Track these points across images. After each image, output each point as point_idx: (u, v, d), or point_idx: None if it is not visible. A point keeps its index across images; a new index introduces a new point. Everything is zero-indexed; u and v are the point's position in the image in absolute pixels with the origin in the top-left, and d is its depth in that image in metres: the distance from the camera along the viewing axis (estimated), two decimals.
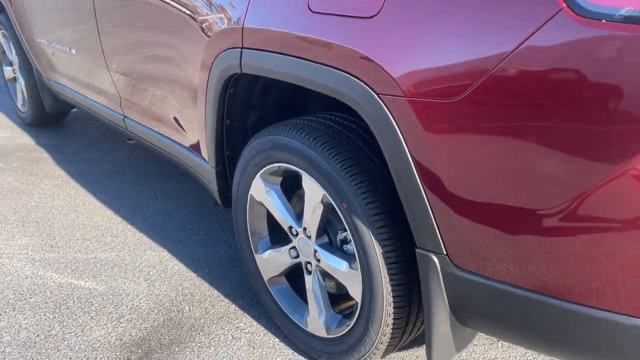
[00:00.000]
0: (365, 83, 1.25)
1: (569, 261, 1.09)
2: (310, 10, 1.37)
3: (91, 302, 2.07)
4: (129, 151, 3.45)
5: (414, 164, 1.22)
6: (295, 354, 1.81)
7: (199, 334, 1.91)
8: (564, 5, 0.95)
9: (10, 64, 3.84)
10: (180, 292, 2.12)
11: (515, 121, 1.06)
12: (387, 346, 1.52)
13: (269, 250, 1.83)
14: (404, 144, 1.22)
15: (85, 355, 1.81)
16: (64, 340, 1.88)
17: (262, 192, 1.74)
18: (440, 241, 1.25)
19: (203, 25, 1.76)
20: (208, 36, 1.73)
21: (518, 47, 1.01)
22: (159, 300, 2.07)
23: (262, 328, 1.93)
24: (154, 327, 1.94)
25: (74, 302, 2.07)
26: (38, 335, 1.90)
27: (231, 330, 1.92)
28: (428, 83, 1.14)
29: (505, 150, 1.09)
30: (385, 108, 1.22)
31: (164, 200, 2.84)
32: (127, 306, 2.05)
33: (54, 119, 3.79)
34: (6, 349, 1.84)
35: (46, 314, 2.01)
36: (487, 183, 1.14)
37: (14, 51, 3.64)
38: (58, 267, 2.27)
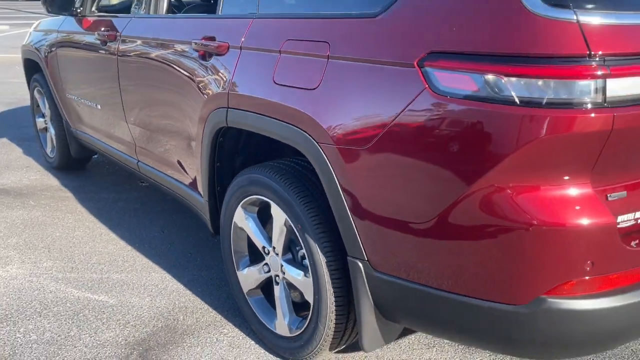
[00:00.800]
0: (309, 135, 1.74)
1: (453, 262, 1.53)
2: (275, 82, 1.88)
3: (103, 311, 2.51)
4: (141, 192, 3.94)
5: (342, 192, 1.68)
6: (267, 353, 2.22)
7: (189, 336, 2.33)
8: (426, 86, 1.44)
9: (43, 116, 4.41)
10: (176, 305, 2.56)
11: (406, 159, 1.53)
12: (332, 339, 1.94)
13: (248, 268, 2.28)
14: (335, 178, 1.69)
15: (97, 351, 2.24)
16: (80, 340, 2.31)
17: (243, 219, 2.20)
18: (362, 249, 1.70)
19: (200, 90, 2.28)
20: (204, 98, 2.25)
21: (403, 110, 1.50)
22: (159, 311, 2.51)
23: (242, 333, 2.35)
24: (153, 331, 2.37)
25: (89, 311, 2.51)
26: (59, 335, 2.34)
27: (216, 334, 2.34)
28: (348, 135, 1.63)
29: (402, 181, 1.56)
30: (322, 153, 1.70)
31: (168, 233, 3.30)
32: (133, 315, 2.48)
33: (78, 164, 4.33)
34: (33, 345, 2.27)
35: (66, 319, 2.45)
36: (391, 205, 1.60)
37: (47, 105, 4.22)
38: (77, 284, 2.73)
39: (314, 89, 1.73)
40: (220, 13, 2.29)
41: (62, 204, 3.74)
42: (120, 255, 3.03)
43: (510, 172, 1.37)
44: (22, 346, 2.26)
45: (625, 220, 1.45)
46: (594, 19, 1.28)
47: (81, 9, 3.47)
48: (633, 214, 1.46)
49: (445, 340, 2.28)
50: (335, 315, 1.88)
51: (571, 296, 1.42)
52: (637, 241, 1.47)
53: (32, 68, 4.35)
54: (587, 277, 1.41)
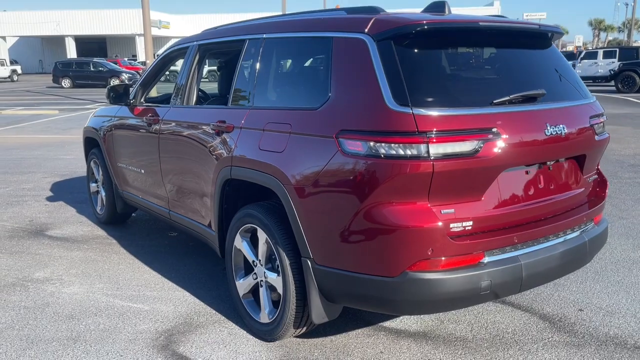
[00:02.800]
0: (278, 179, 2.79)
1: (357, 252, 2.51)
2: (260, 148, 2.97)
3: (140, 313, 3.50)
4: (169, 240, 5.00)
5: (296, 214, 2.71)
6: (253, 338, 3.17)
7: (201, 328, 3.29)
8: (339, 149, 2.50)
9: (96, 182, 5.59)
10: (193, 310, 3.53)
11: (330, 191, 2.56)
12: (294, 318, 2.88)
13: (243, 278, 3.27)
14: (292, 206, 2.72)
15: (137, 335, 3.21)
16: (125, 329, 3.29)
17: (240, 242, 3.23)
18: (309, 251, 2.70)
19: (214, 156, 3.38)
20: (216, 161, 3.35)
21: (327, 163, 2.55)
22: (179, 314, 3.49)
23: (237, 326, 3.30)
24: (175, 325, 3.34)
25: (130, 313, 3.50)
26: (110, 327, 3.33)
27: (219, 327, 3.30)
28: (299, 179, 2.68)
29: (328, 205, 2.58)
30: (285, 190, 2.75)
31: (189, 266, 4.31)
32: (161, 316, 3.46)
33: (121, 219, 5.44)
34: (93, 332, 3.26)
35: (114, 317, 3.44)
36: (323, 219, 2.62)
37: (100, 173, 5.40)
38: (121, 297, 3.73)
39: (282, 152, 2.81)
40: (229, 105, 3.43)
41: (109, 248, 4.81)
42: (152, 281, 4.04)
43: (382, 195, 2.39)
44: (83, 333, 3.26)
45: (456, 226, 2.44)
46: (421, 111, 2.34)
47: (133, 100, 4.69)
48: (461, 223, 2.45)
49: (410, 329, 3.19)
50: (296, 300, 2.85)
51: (423, 270, 2.40)
52: (463, 240, 2.45)
53: (90, 144, 5.58)
54: (430, 259, 2.39)
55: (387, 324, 3.33)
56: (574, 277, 3.99)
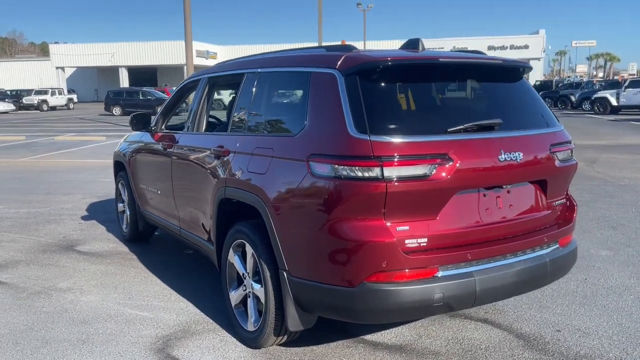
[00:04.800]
0: (260, 198, 3.10)
1: (323, 264, 2.78)
2: (248, 170, 3.29)
3: (145, 320, 3.84)
4: (184, 257, 5.36)
5: (274, 229, 3.00)
6: (241, 345, 3.44)
7: (197, 335, 3.60)
8: (309, 171, 2.79)
9: (123, 202, 6.05)
10: (192, 319, 3.85)
11: (300, 209, 2.85)
12: (274, 326, 3.15)
13: (235, 290, 3.57)
14: (271, 222, 3.02)
15: (139, 339, 3.55)
16: (129, 333, 3.63)
17: (233, 256, 3.54)
18: (285, 263, 2.98)
19: (214, 177, 3.72)
20: (215, 181, 3.69)
21: (299, 183, 2.84)
22: (179, 322, 3.80)
23: (228, 334, 3.59)
24: (174, 332, 3.66)
25: (137, 320, 3.85)
26: (117, 330, 3.68)
27: (213, 334, 3.60)
28: (277, 197, 2.98)
29: (300, 221, 2.86)
30: (265, 208, 3.05)
31: (197, 279, 4.64)
32: (163, 323, 3.79)
33: (143, 237, 5.86)
34: (101, 335, 3.62)
35: (122, 323, 3.79)
36: (296, 234, 2.90)
37: (126, 194, 5.86)
38: (131, 306, 4.09)
39: (264, 173, 3.13)
40: (228, 131, 3.79)
41: (128, 262, 5.21)
42: (161, 292, 4.39)
43: (342, 212, 2.67)
44: (92, 336, 3.62)
45: (411, 242, 2.68)
46: (377, 138, 2.62)
47: (155, 127, 5.13)
48: (415, 239, 2.69)
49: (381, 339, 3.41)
50: (275, 309, 3.12)
51: (379, 282, 2.64)
52: (417, 255, 2.68)
53: (118, 167, 6.07)
54: (386, 271, 2.63)
55: (368, 336, 3.55)
56: (561, 300, 4.10)
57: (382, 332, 3.60)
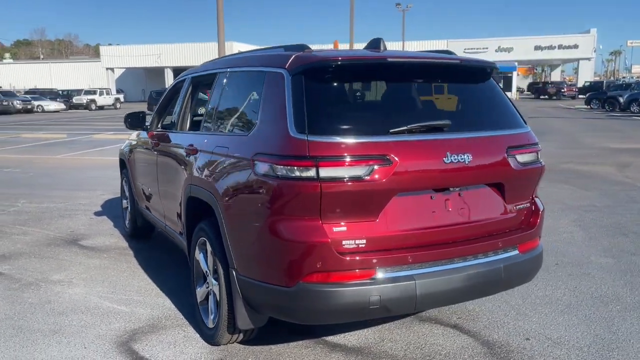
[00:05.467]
0: (214, 197, 3.13)
1: (264, 264, 2.78)
2: (207, 169, 3.33)
3: (119, 314, 3.93)
4: (180, 254, 5.45)
5: (225, 229, 3.02)
6: (202, 341, 3.48)
7: (163, 329, 3.66)
8: (253, 170, 2.80)
9: (126, 199, 6.21)
10: (164, 315, 3.92)
11: (244, 206, 2.86)
12: (227, 323, 3.17)
13: (200, 286, 3.62)
14: (222, 221, 3.04)
15: (109, 332, 3.64)
16: (101, 326, 3.73)
17: (198, 254, 3.58)
18: (234, 262, 3.00)
19: (185, 174, 3.78)
20: (184, 178, 3.74)
21: (245, 181, 2.86)
22: (152, 317, 3.88)
23: (193, 330, 3.64)
24: (144, 326, 3.73)
25: (112, 313, 3.95)
26: (91, 323, 3.78)
27: (179, 330, 3.65)
28: (225, 194, 3.00)
29: (243, 219, 2.87)
30: (218, 206, 3.08)
31: (181, 277, 4.72)
32: (136, 318, 3.87)
33: (143, 233, 5.98)
34: (75, 326, 3.73)
35: (97, 316, 3.89)
36: (241, 232, 2.91)
37: (127, 191, 6.02)
38: (110, 300, 4.20)
39: (219, 172, 3.16)
40: (200, 130, 3.84)
41: (124, 257, 5.35)
42: (145, 287, 4.49)
43: (280, 212, 2.66)
44: (65, 327, 3.74)
45: (348, 243, 2.65)
46: (314, 138, 2.60)
47: (150, 126, 5.25)
48: (353, 240, 2.65)
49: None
50: (227, 306, 3.14)
51: (315, 282, 2.62)
52: (354, 256, 2.64)
53: (122, 165, 6.23)
54: (322, 272, 2.61)
55: (330, 337, 3.52)
56: (542, 308, 3.96)
57: (345, 333, 3.57)
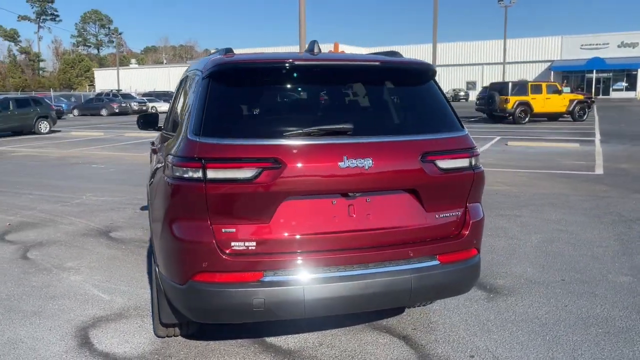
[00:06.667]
0: (149, 195, 3.28)
1: (168, 262, 2.87)
2: (151, 169, 3.49)
3: (99, 302, 4.22)
4: None
5: (151, 228, 3.16)
6: (151, 332, 3.65)
7: (124, 319, 3.89)
8: (164, 170, 2.91)
9: None
10: (135, 305, 4.15)
11: (157, 204, 2.98)
12: (157, 317, 3.30)
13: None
14: (150, 218, 3.18)
15: (75, 317, 3.94)
16: (74, 311, 4.04)
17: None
18: (156, 258, 3.12)
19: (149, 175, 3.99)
20: (148, 178, 3.94)
21: (159, 181, 2.97)
22: (124, 307, 4.13)
23: (150, 321, 3.83)
24: (110, 314, 3.98)
25: (93, 300, 4.25)
26: (68, 308, 4.11)
27: (138, 320, 3.86)
28: (152, 195, 3.14)
29: (154, 218, 2.99)
30: (149, 204, 3.22)
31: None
32: (109, 306, 4.14)
33: None
34: (52, 311, 4.07)
35: (77, 302, 4.22)
36: (155, 230, 3.03)
37: None
38: (100, 289, 4.52)
39: (154, 171, 3.30)
40: (165, 130, 4.02)
41: (137, 250, 5.71)
42: (135, 278, 4.77)
43: (175, 212, 2.74)
44: (46, 310, 4.09)
45: (237, 245, 2.66)
46: (204, 140, 2.65)
47: (162, 126, 5.55)
48: (243, 242, 2.66)
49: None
50: (156, 300, 3.28)
51: (203, 281, 2.67)
52: (242, 258, 2.65)
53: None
54: (210, 272, 2.65)
55: (271, 338, 3.55)
56: (511, 326, 3.69)
57: (288, 335, 3.57)
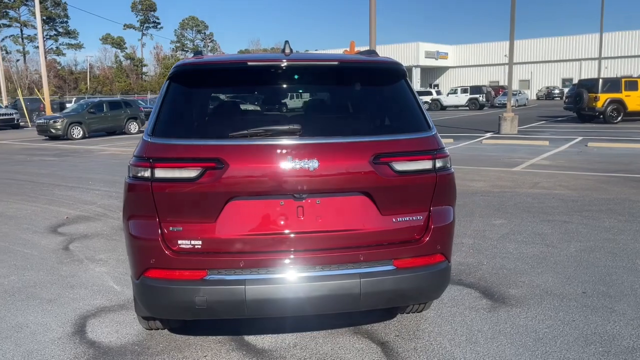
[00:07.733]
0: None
1: (130, 259, 2.99)
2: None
3: (110, 292, 4.47)
4: None
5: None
6: (137, 323, 3.81)
7: (124, 310, 4.08)
8: (131, 173, 3.03)
9: None
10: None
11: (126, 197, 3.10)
12: (135, 310, 3.44)
13: None
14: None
15: (82, 305, 4.19)
16: (84, 300, 4.30)
17: None
18: None
19: None
20: None
21: (129, 184, 3.10)
22: (128, 298, 4.33)
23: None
24: (113, 305, 4.20)
25: (105, 291, 4.50)
26: (79, 297, 4.38)
27: (132, 311, 4.04)
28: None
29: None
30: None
31: None
32: (117, 297, 4.36)
33: None
34: (61, 298, 4.36)
35: (90, 292, 4.48)
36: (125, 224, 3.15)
37: None
38: (116, 281, 4.77)
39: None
40: None
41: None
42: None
43: (130, 210, 2.84)
44: (62, 298, 4.38)
45: (184, 243, 2.72)
46: (154, 140, 2.73)
47: None
48: (189, 241, 2.71)
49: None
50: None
51: (152, 278, 2.75)
52: (187, 256, 2.70)
53: None
54: (158, 268, 2.73)
55: (249, 336, 3.58)
56: (502, 338, 3.47)
57: (266, 335, 3.59)
